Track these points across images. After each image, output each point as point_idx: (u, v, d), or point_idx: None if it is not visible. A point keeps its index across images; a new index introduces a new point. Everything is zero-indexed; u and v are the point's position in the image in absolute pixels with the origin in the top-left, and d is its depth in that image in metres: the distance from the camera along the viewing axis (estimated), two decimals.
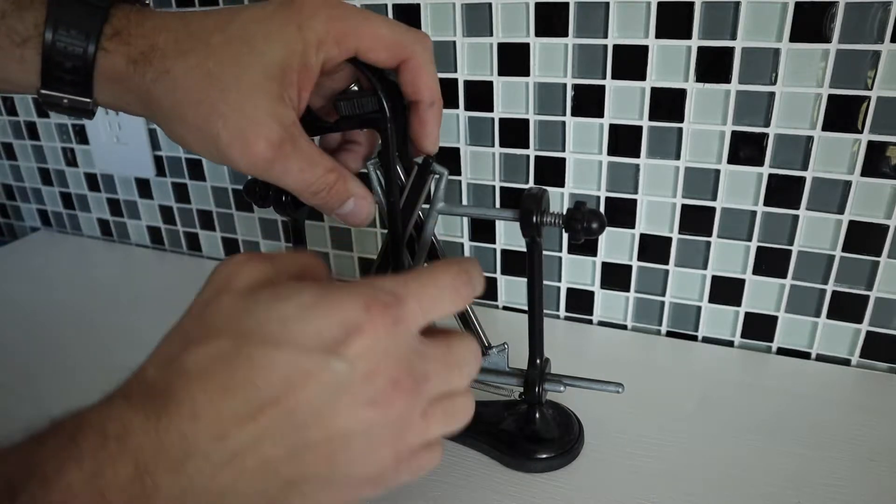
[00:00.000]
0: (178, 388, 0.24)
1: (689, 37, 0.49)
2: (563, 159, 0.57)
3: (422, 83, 0.35)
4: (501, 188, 0.60)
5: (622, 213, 0.57)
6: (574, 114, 0.55)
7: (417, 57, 0.35)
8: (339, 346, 0.25)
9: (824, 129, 0.48)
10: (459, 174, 0.61)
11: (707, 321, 0.58)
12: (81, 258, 0.82)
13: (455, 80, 0.57)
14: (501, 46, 0.55)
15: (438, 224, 0.47)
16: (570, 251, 0.61)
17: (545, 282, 0.51)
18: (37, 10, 0.32)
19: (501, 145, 0.58)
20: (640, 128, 0.53)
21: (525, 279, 0.42)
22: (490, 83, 0.56)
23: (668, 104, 0.52)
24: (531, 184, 0.59)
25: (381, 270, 0.44)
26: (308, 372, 0.25)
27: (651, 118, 0.53)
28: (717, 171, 0.53)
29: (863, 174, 0.49)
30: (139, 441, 0.23)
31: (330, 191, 0.35)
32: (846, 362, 0.55)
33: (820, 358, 0.56)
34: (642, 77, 0.52)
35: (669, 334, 0.60)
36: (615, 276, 0.60)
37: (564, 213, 0.39)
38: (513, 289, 0.64)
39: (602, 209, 0.57)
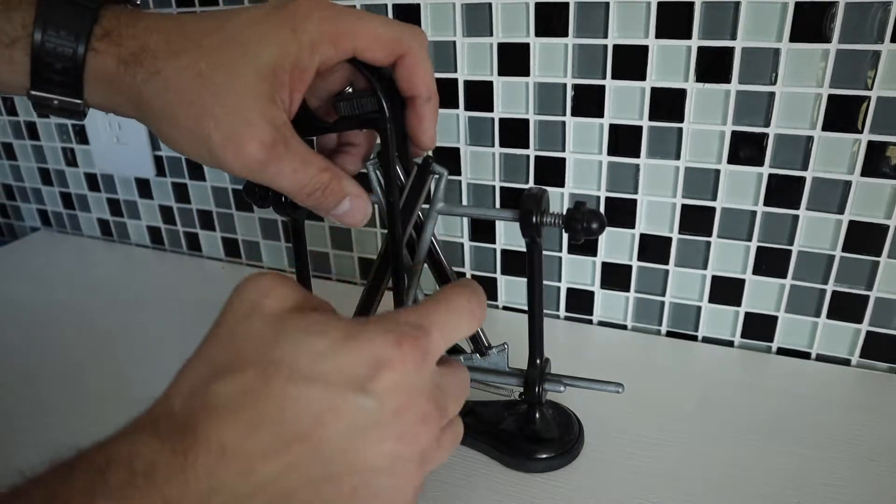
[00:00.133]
0: (206, 422, 0.24)
1: (689, 37, 0.49)
2: (563, 159, 0.57)
3: (418, 79, 0.35)
4: (501, 188, 0.60)
5: (622, 213, 0.57)
6: (574, 114, 0.55)
7: (414, 53, 0.34)
8: (368, 381, 0.25)
9: (824, 129, 0.48)
10: (459, 174, 0.61)
11: (707, 321, 0.58)
12: (81, 258, 0.82)
13: (455, 80, 0.57)
14: (501, 46, 0.55)
15: (438, 224, 0.47)
16: (570, 251, 0.61)
17: (545, 282, 0.51)
18: (25, 10, 0.31)
19: (501, 145, 0.58)
20: (640, 128, 0.53)
21: (525, 279, 0.42)
22: (490, 83, 0.56)
23: (668, 104, 0.52)
24: (531, 184, 0.59)
25: (381, 270, 0.44)
26: (338, 409, 0.25)
27: (651, 118, 0.53)
28: (717, 171, 0.53)
29: (863, 174, 0.49)
30: (166, 477, 0.23)
31: (324, 191, 0.34)
32: (846, 362, 0.55)
33: (820, 358, 0.56)
34: (642, 77, 0.52)
35: (669, 334, 0.60)
36: (615, 276, 0.60)
37: (564, 213, 0.39)
38: (513, 289, 0.64)
39: (602, 209, 0.57)
